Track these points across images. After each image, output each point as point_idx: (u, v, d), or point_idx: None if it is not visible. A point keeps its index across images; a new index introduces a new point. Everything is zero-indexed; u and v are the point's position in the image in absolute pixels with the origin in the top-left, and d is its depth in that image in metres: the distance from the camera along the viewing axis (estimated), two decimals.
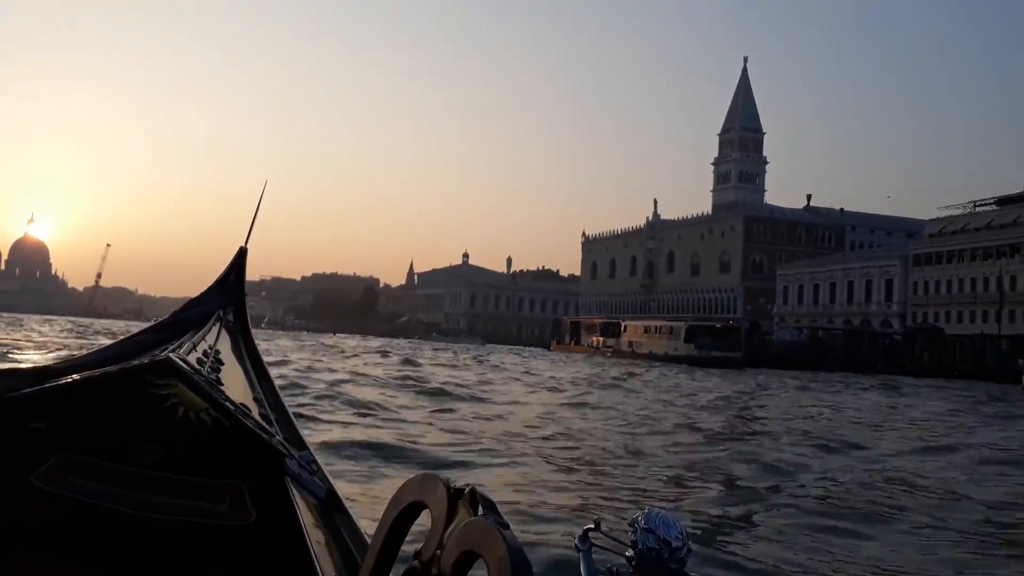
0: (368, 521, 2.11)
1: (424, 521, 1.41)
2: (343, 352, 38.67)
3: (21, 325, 54.60)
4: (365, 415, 11.70)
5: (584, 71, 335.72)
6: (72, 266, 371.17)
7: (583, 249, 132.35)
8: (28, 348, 24.75)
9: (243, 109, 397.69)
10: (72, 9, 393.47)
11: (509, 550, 1.17)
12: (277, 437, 2.20)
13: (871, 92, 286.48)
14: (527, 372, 30.23)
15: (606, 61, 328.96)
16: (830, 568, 5.26)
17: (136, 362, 2.27)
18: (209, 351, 2.63)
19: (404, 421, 11.50)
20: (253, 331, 3.50)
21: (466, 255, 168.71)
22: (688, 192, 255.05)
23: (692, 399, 20.62)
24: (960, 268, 74.37)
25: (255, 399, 2.70)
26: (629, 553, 1.31)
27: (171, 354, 2.16)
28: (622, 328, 72.88)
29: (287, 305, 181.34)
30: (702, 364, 50.44)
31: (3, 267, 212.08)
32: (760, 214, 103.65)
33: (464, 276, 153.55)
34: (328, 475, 2.21)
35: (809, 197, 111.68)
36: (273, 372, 3.27)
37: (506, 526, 1.23)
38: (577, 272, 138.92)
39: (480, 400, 16.17)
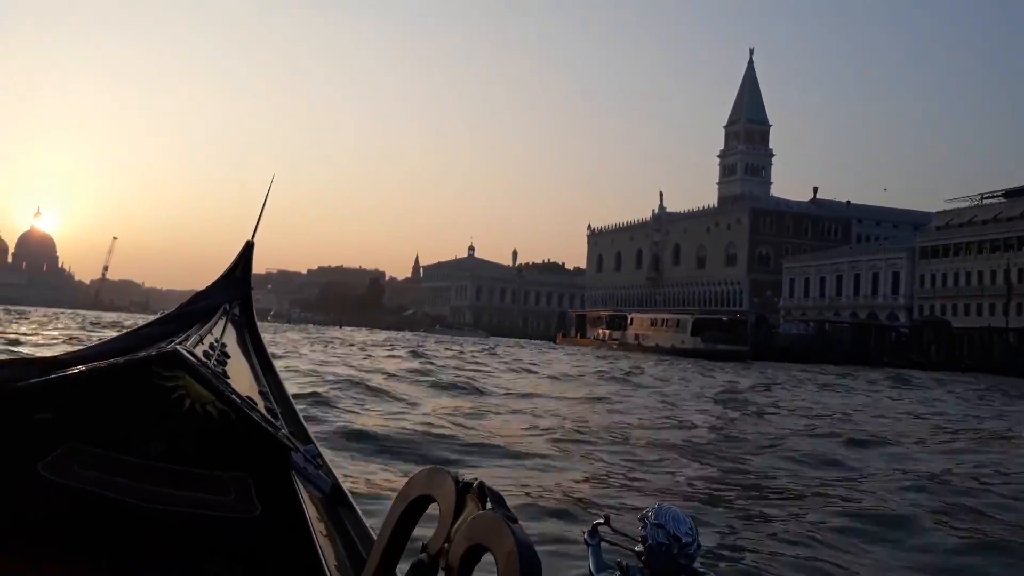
0: (373, 516, 2.11)
1: (432, 515, 1.41)
2: (351, 346, 38.73)
3: (50, 320, 54.18)
4: (381, 409, 11.73)
5: (590, 64, 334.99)
6: (79, 259, 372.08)
7: (589, 242, 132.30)
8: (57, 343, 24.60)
9: (250, 102, 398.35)
10: None
11: (518, 544, 1.16)
12: (283, 431, 2.20)
13: (877, 84, 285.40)
14: (532, 365, 30.20)
15: (612, 54, 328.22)
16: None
17: (143, 354, 2.27)
18: (215, 344, 2.64)
19: (415, 414, 11.52)
20: (259, 324, 3.51)
21: (472, 248, 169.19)
22: (694, 185, 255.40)
23: (718, 394, 20.47)
24: (967, 261, 74.17)
25: (261, 392, 2.71)
26: (639, 548, 1.31)
27: (178, 346, 2.16)
28: (628, 321, 72.87)
29: (293, 298, 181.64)
30: (708, 357, 50.37)
31: (10, 260, 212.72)
32: (766, 207, 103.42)
33: (470, 269, 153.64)
34: (333, 469, 2.21)
35: (815, 190, 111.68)
36: (279, 364, 3.28)
37: (515, 520, 1.23)
38: (583, 265, 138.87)
39: (489, 394, 16.17)
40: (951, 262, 75.81)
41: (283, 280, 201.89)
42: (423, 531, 1.45)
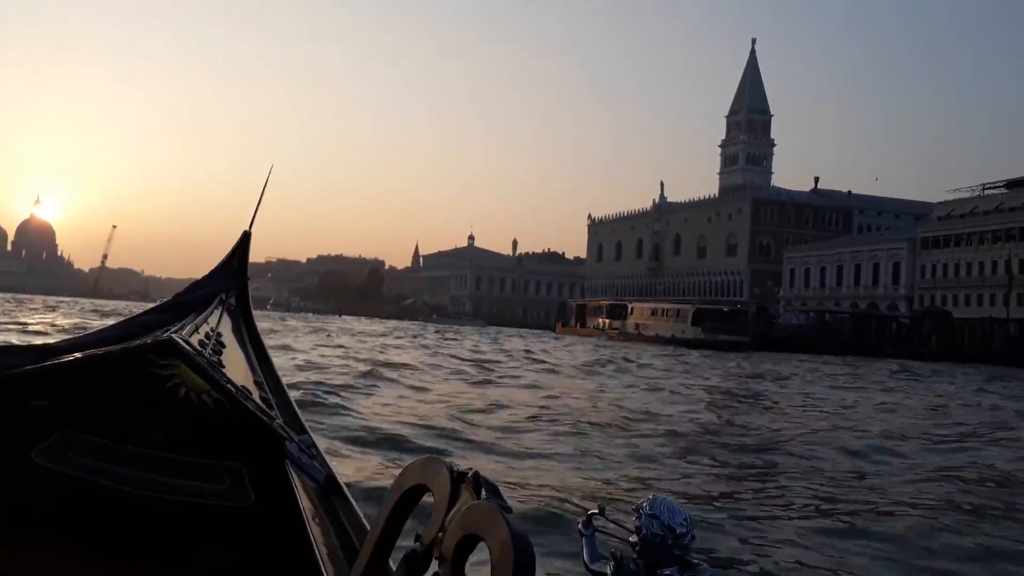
0: (370, 504, 2.11)
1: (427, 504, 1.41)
2: (353, 332, 38.83)
3: (53, 309, 54.01)
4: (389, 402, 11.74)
5: (591, 53, 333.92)
6: (78, 247, 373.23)
7: (589, 231, 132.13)
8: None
9: (251, 90, 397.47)
10: None
11: (512, 534, 1.16)
12: (277, 420, 2.20)
13: (879, 74, 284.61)
14: (531, 355, 30.23)
15: (613, 43, 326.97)
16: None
17: (139, 342, 2.27)
18: (211, 333, 2.63)
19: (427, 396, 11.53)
20: (258, 313, 3.51)
21: (472, 237, 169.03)
22: (695, 174, 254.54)
23: (718, 385, 20.52)
24: (968, 251, 74.05)
25: (256, 382, 2.71)
26: (633, 539, 1.32)
27: (174, 335, 2.16)
28: (629, 310, 72.91)
29: (292, 287, 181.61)
30: (709, 347, 50.44)
31: (9, 248, 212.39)
32: (767, 197, 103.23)
33: (470, 258, 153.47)
34: (327, 459, 2.22)
35: (817, 180, 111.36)
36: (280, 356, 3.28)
37: (509, 510, 1.23)
38: (583, 255, 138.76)
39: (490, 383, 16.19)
40: (952, 252, 75.70)
41: (283, 269, 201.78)
42: (418, 521, 1.45)
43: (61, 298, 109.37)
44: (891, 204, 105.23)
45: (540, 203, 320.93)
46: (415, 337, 40.16)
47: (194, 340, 2.29)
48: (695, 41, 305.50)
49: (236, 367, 2.59)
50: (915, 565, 5.14)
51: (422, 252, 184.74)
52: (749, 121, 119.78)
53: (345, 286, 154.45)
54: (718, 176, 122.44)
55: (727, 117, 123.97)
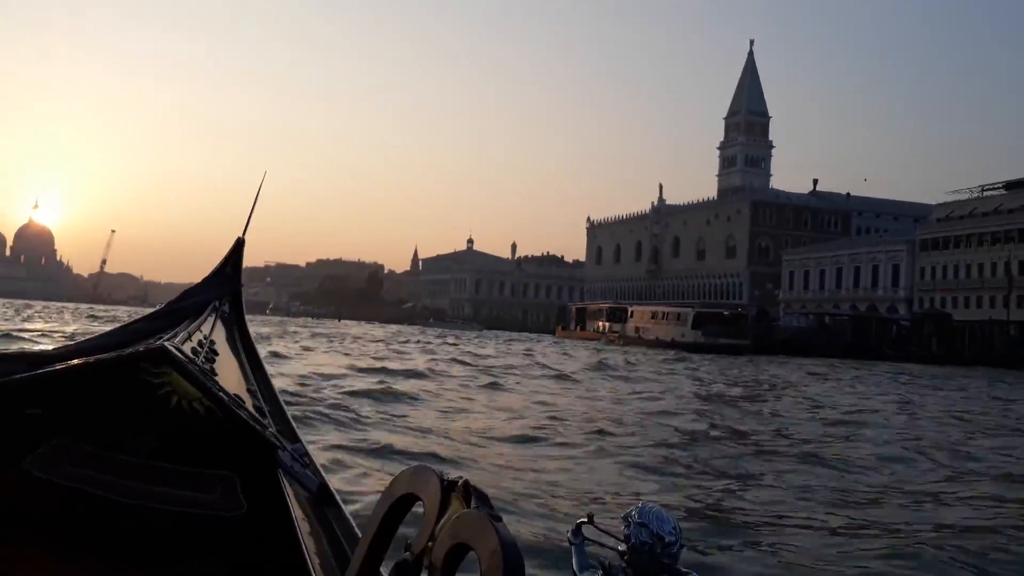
0: (361, 513, 2.10)
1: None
2: (354, 337, 38.73)
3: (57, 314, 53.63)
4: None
5: (590, 56, 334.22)
6: (77, 252, 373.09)
7: (588, 234, 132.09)
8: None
9: (251, 95, 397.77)
10: None
11: (502, 543, 1.16)
12: (270, 429, 2.19)
13: (878, 76, 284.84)
14: (531, 357, 30.18)
15: (611, 46, 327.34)
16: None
17: (131, 350, 2.26)
18: (204, 341, 2.62)
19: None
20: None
21: (471, 241, 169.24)
22: (694, 177, 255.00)
23: (717, 390, 20.48)
24: (968, 253, 74.01)
25: (249, 390, 2.70)
26: (622, 547, 1.32)
27: (166, 343, 2.15)
28: (629, 314, 72.78)
29: (292, 291, 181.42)
30: (710, 351, 50.42)
31: (8, 253, 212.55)
32: (766, 199, 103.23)
33: (469, 262, 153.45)
34: (320, 468, 2.21)
35: (815, 182, 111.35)
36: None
37: (499, 519, 1.23)
38: (582, 258, 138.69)
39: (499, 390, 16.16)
40: (951, 254, 75.65)
41: (282, 273, 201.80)
42: (409, 529, 1.45)
43: (60, 303, 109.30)
44: (890, 206, 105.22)
45: (539, 206, 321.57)
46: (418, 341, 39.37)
47: (187, 348, 2.28)
48: (693, 43, 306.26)
49: (229, 375, 2.58)
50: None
51: (421, 256, 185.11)
52: (747, 123, 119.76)
53: (345, 290, 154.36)
54: (717, 178, 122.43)
55: (725, 119, 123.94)
